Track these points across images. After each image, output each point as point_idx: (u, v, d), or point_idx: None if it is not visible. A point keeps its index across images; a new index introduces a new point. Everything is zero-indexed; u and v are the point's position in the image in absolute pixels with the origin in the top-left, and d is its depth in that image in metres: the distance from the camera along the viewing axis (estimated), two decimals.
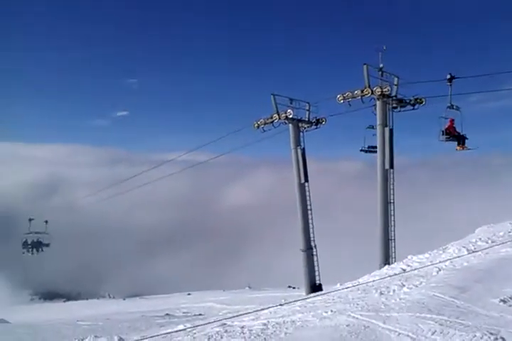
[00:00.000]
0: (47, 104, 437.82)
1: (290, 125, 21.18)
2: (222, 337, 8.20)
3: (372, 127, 19.59)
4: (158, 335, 11.57)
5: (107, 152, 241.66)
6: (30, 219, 24.05)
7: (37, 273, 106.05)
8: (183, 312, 30.01)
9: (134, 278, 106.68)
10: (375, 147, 19.42)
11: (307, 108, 21.49)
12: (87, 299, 71.96)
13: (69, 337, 19.40)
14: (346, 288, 12.26)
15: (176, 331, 11.61)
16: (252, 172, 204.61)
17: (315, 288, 18.60)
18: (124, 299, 60.22)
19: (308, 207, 20.13)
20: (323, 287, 18.24)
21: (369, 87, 18.56)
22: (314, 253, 19.52)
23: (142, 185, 24.57)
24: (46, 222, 27.08)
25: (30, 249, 25.08)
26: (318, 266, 19.38)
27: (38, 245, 25.01)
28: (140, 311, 34.05)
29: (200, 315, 26.22)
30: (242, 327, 8.86)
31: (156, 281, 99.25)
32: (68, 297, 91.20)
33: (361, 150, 20.85)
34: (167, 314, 29.18)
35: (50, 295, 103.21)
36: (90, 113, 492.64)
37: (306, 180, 20.28)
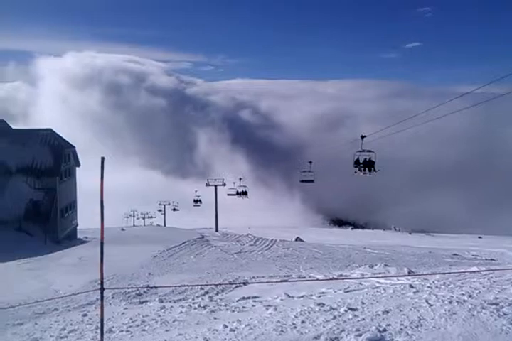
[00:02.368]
0: (338, 42, 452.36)
1: None
2: None
3: None
4: (450, 273, 11.51)
5: (391, 86, 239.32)
6: (362, 137, 22.68)
7: (329, 200, 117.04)
8: (473, 255, 28.79)
9: (420, 214, 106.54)
10: None
11: None
12: (372, 229, 75.97)
13: (358, 261, 21.20)
14: None
15: (470, 272, 11.35)
16: None
17: None
18: (410, 233, 61.16)
19: None
20: None
21: None
22: None
23: (428, 121, 22.94)
24: (310, 162, 28.29)
25: (362, 168, 24.07)
26: None
27: (370, 164, 23.93)
28: (427, 247, 34.30)
29: (492, 260, 24.71)
30: None
31: (442, 219, 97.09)
32: (355, 225, 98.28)
33: None
34: (455, 254, 28.58)
35: (338, 222, 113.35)
36: (380, 46, 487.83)
37: None
